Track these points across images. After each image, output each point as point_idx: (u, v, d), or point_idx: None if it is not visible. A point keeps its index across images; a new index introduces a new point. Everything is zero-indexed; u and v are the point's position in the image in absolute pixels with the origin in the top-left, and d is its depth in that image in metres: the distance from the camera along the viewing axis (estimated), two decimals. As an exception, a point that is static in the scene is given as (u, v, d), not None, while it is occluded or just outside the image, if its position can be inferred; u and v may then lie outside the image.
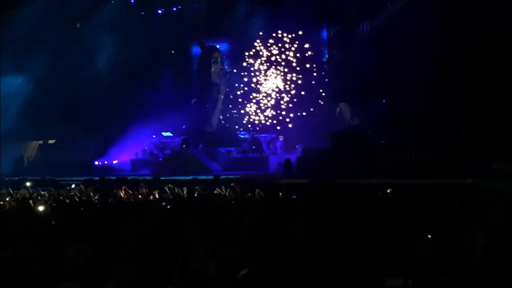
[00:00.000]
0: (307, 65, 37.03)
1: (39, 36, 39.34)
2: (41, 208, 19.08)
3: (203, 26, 39.48)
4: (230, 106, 39.79)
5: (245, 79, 38.98)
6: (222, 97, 40.82)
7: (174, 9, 41.50)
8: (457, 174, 22.56)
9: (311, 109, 36.26)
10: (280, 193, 19.71)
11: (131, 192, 22.40)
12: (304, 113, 36.49)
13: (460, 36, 29.32)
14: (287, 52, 37.50)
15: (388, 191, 18.25)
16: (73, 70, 39.57)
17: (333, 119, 35.18)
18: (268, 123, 37.66)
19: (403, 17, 31.81)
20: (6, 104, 39.66)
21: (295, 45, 37.28)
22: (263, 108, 38.04)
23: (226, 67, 41.14)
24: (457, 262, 9.60)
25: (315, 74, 36.77)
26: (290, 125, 36.58)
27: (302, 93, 36.87)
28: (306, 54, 37.13)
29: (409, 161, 25.54)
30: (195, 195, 21.87)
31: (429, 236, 10.63)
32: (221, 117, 40.90)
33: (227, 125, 39.71)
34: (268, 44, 38.02)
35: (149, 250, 11.10)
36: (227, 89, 40.37)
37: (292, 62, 37.40)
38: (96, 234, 12.36)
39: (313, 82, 36.70)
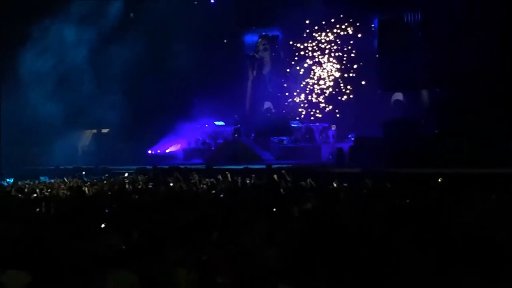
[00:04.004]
0: (359, 54, 36.80)
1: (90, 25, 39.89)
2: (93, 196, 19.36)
3: (255, 15, 39.48)
4: (279, 95, 39.75)
5: (298, 68, 38.90)
6: (270, 89, 40.88)
7: (226, -4, 41.56)
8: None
9: (364, 98, 35.99)
10: (334, 183, 19.63)
11: (182, 180, 22.55)
12: (356, 102, 36.29)
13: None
14: (338, 41, 37.32)
15: (439, 180, 18.05)
16: (127, 59, 39.82)
17: (386, 107, 34.87)
18: (319, 113, 37.54)
19: (454, 5, 31.38)
20: (60, 93, 40.09)
21: (347, 34, 37.07)
22: (315, 97, 37.93)
23: (277, 55, 41.11)
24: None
25: (367, 62, 36.51)
26: (341, 114, 36.40)
27: (354, 81, 36.64)
28: (358, 43, 36.91)
29: (462, 150, 25.25)
30: (248, 183, 21.96)
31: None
32: (271, 106, 40.88)
33: (280, 114, 39.60)
34: (320, 33, 37.88)
35: (199, 236, 11.17)
36: (280, 79, 40.30)
37: (344, 50, 37.22)
38: (147, 222, 12.47)
39: (365, 70, 36.44)
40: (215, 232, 11.27)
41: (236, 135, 38.02)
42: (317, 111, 37.68)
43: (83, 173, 30.51)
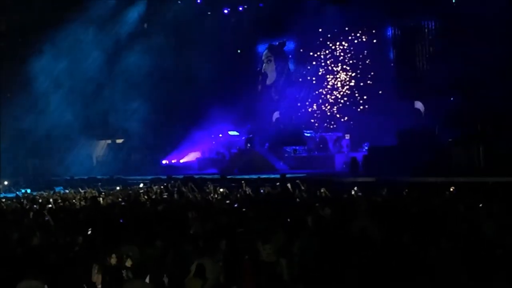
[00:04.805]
0: (374, 63, 36.71)
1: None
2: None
3: (269, 25, 39.57)
4: (288, 104, 39.82)
5: (309, 77, 38.94)
6: (277, 96, 41.04)
7: (240, 8, 41.64)
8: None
9: (378, 107, 35.84)
10: (353, 191, 19.61)
11: (197, 190, 22.58)
12: (370, 111, 36.16)
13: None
14: (353, 50, 37.28)
15: (451, 189, 18.00)
16: (142, 70, 39.92)
17: (400, 116, 34.67)
18: (333, 123, 37.46)
19: (471, 13, 31.29)
20: (75, 104, 40.23)
21: (361, 42, 37.02)
22: (328, 106, 37.89)
23: (285, 63, 41.25)
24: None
25: (381, 71, 36.39)
26: (355, 124, 36.28)
27: (368, 90, 36.54)
28: (373, 51, 36.83)
29: (477, 159, 25.15)
30: (262, 192, 21.96)
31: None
32: (279, 116, 40.97)
33: (293, 123, 39.56)
34: (334, 42, 37.88)
35: (216, 247, 11.19)
36: (289, 88, 40.40)
37: (359, 59, 37.15)
38: (163, 232, 12.49)
39: (379, 79, 36.31)
40: (223, 241, 11.31)
41: (249, 145, 37.98)
42: (331, 121, 37.58)
43: (99, 183, 30.59)
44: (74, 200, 22.96)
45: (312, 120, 38.19)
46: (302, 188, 20.58)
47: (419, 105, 35.39)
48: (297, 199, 18.49)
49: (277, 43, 41.55)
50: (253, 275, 9.24)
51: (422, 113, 34.83)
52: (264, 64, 42.15)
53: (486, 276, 8.70)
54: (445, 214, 12.82)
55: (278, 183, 23.73)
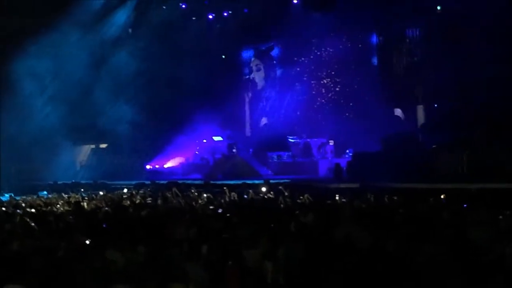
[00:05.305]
0: (358, 69, 36.82)
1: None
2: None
3: (254, 31, 39.63)
4: (275, 110, 39.88)
5: (295, 83, 39.02)
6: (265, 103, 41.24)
7: (225, 14, 41.67)
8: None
9: (362, 113, 35.94)
10: (337, 197, 19.62)
11: (181, 195, 22.53)
12: (354, 117, 36.26)
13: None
14: (338, 56, 37.36)
15: (442, 197, 18.00)
16: (125, 75, 39.86)
17: (384, 123, 34.81)
18: (317, 128, 37.46)
19: (453, 22, 31.53)
20: (59, 109, 40.07)
21: (347, 49, 37.10)
22: (314, 112, 37.93)
23: (272, 69, 41.38)
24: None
25: (366, 78, 36.50)
26: (339, 130, 36.32)
27: (353, 97, 36.64)
28: (357, 58, 36.94)
29: (461, 165, 25.26)
30: (246, 198, 21.93)
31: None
32: (267, 121, 41.06)
33: (278, 129, 39.62)
34: (319, 48, 37.94)
35: (199, 252, 11.17)
36: (276, 94, 40.51)
37: (343, 65, 37.22)
38: (147, 237, 12.45)
39: (364, 86, 36.41)
40: (204, 246, 11.29)
41: (234, 150, 37.94)
42: (315, 127, 37.59)
43: (82, 189, 30.47)
44: (57, 205, 22.84)
45: (296, 126, 38.19)
46: (286, 194, 20.56)
47: (398, 112, 35.60)
48: (281, 205, 18.46)
49: (264, 47, 41.55)
50: (237, 280, 9.21)
51: (404, 120, 34.99)
52: (253, 72, 42.15)
53: (473, 283, 8.71)
54: (429, 220, 12.83)
55: (263, 189, 23.72)
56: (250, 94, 42.30)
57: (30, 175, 39.73)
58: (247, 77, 42.46)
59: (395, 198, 18.10)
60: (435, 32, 33.30)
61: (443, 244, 10.22)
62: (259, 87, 42.04)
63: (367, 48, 37.34)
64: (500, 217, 12.76)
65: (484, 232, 11.14)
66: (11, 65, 39.09)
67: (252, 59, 42.24)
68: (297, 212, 15.54)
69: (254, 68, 42.25)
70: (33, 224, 16.04)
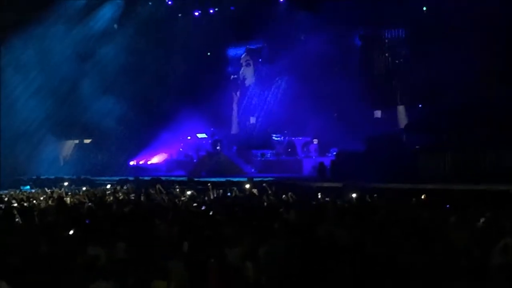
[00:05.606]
0: (342, 69, 36.85)
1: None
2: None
3: (239, 29, 39.61)
4: (263, 108, 39.87)
5: (279, 82, 39.06)
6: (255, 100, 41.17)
7: (211, 11, 41.62)
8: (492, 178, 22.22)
9: (347, 113, 35.94)
10: (319, 195, 19.67)
11: (164, 192, 22.53)
12: (339, 117, 36.30)
13: (498, 39, 29.10)
14: (322, 56, 37.31)
15: (423, 197, 18.08)
16: (109, 71, 39.76)
17: (368, 123, 34.87)
18: (301, 127, 37.44)
19: (434, 24, 31.65)
20: (43, 103, 39.92)
21: (331, 49, 37.07)
22: (298, 110, 37.90)
23: (260, 68, 41.36)
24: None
25: (350, 78, 36.51)
26: (323, 129, 36.30)
27: (337, 97, 36.61)
28: (341, 58, 36.96)
29: (443, 166, 25.39)
30: (230, 196, 21.96)
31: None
32: (255, 120, 41.01)
33: (262, 127, 39.64)
34: (303, 48, 37.91)
35: (181, 249, 11.18)
36: (263, 92, 40.52)
37: (328, 65, 37.18)
38: (129, 234, 12.45)
39: (347, 86, 36.41)
40: (186, 243, 11.31)
41: (218, 148, 37.89)
42: (299, 125, 37.56)
43: (65, 183, 30.40)
44: (41, 199, 22.82)
45: (281, 125, 38.19)
46: (269, 192, 20.61)
47: (381, 113, 35.75)
48: (265, 203, 18.49)
49: (255, 46, 41.54)
50: (220, 278, 9.23)
51: (386, 120, 35.08)
52: (242, 68, 42.10)
53: (453, 282, 8.78)
54: (411, 221, 12.90)
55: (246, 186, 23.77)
56: (238, 93, 42.17)
57: (13, 170, 39.56)
58: (235, 76, 42.35)
59: (378, 198, 18.19)
60: (421, 33, 33.37)
61: (423, 244, 10.29)
62: (247, 84, 41.94)
63: (351, 48, 37.36)
64: (482, 219, 12.84)
65: (464, 233, 11.22)
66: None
67: (243, 55, 42.12)
68: (281, 210, 15.60)
69: (243, 63, 42.14)
70: (17, 219, 16.04)
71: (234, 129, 41.95)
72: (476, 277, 9.08)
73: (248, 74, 42.04)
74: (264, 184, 22.35)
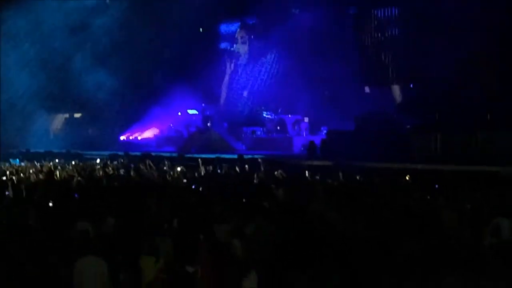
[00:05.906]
0: (335, 47, 36.68)
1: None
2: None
3: (231, 4, 39.37)
4: (255, 84, 39.78)
5: (270, 58, 38.96)
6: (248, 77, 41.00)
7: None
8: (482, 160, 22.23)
9: (338, 91, 35.84)
10: (307, 173, 19.65)
11: (154, 167, 22.49)
12: (330, 95, 36.20)
13: (491, 19, 29.01)
14: (315, 33, 37.15)
15: (407, 177, 18.07)
16: (101, 44, 39.56)
17: (359, 102, 34.76)
18: (292, 105, 37.37)
19: (428, 2, 31.52)
20: (33, 77, 39.74)
21: (324, 25, 36.90)
22: (289, 88, 37.80)
23: (254, 44, 41.20)
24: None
25: (342, 56, 36.39)
26: (314, 107, 36.23)
27: (329, 74, 36.50)
28: (334, 36, 36.79)
29: (434, 147, 25.39)
30: (220, 173, 21.95)
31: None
32: (246, 95, 40.90)
33: (253, 104, 39.54)
34: (296, 24, 37.74)
35: (171, 225, 11.16)
36: (257, 68, 40.40)
37: (321, 42, 37.03)
38: (119, 209, 12.41)
39: (340, 64, 36.30)
40: (175, 220, 11.29)
41: (209, 124, 37.84)
42: (290, 103, 37.48)
43: (55, 158, 30.31)
44: (30, 172, 22.76)
45: (272, 102, 38.09)
46: (262, 168, 20.61)
47: (375, 91, 35.65)
48: (255, 181, 18.47)
49: (251, 22, 41.31)
50: (209, 255, 9.21)
51: (378, 99, 34.94)
52: (236, 44, 41.91)
53: (444, 267, 8.77)
54: (402, 202, 12.90)
55: (236, 164, 23.72)
56: (232, 65, 41.96)
57: (2, 143, 39.44)
58: (231, 48, 42.14)
59: (368, 177, 18.17)
60: (416, 13, 33.23)
61: (416, 227, 10.28)
62: (241, 61, 41.79)
63: (344, 26, 37.17)
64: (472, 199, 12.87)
65: (454, 214, 11.24)
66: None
67: (238, 30, 41.88)
68: (272, 186, 15.61)
69: (239, 40, 41.94)
70: (7, 192, 16.00)
71: (223, 100, 41.78)
72: (471, 268, 9.04)
73: (242, 50, 41.88)
74: (259, 160, 22.40)
